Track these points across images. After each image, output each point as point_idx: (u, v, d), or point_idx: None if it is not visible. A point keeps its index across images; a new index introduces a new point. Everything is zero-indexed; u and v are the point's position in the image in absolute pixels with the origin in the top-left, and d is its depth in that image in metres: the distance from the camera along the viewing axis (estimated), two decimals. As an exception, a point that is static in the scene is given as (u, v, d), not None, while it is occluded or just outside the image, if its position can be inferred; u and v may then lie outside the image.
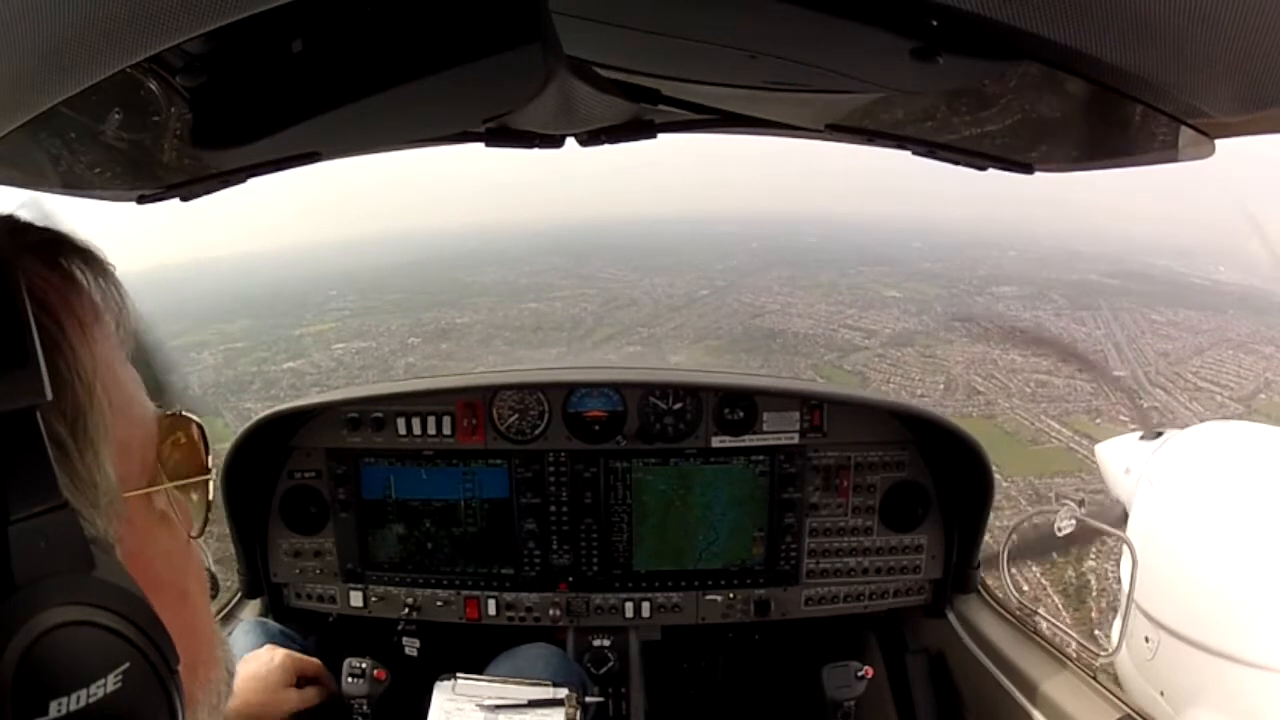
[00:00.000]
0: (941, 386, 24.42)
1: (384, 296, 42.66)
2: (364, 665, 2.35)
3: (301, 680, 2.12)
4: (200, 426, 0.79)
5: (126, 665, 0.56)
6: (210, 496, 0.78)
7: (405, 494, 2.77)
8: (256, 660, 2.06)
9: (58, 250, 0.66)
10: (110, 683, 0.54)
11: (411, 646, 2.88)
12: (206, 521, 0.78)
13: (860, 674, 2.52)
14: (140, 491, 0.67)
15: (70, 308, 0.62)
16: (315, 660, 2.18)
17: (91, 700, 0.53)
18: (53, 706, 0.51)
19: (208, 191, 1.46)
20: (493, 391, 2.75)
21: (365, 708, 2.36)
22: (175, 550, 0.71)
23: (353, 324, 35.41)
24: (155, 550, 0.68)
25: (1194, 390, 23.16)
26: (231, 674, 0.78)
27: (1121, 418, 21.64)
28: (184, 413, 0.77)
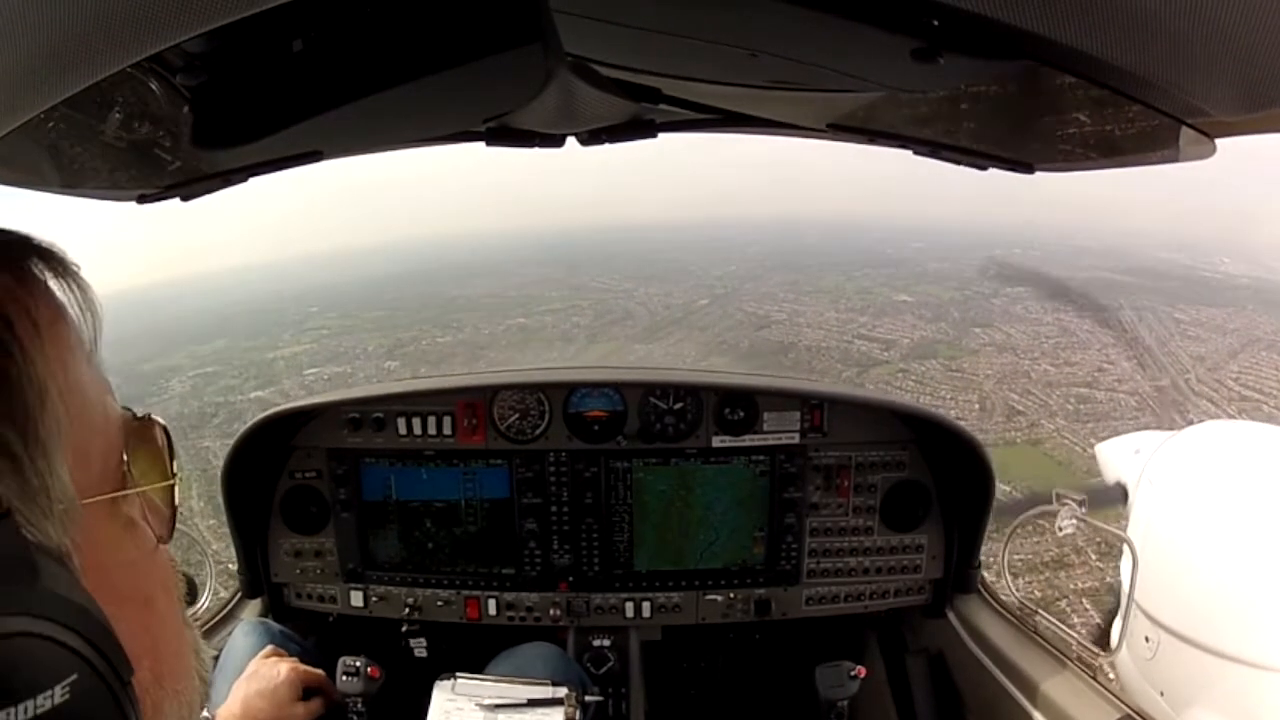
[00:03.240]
0: (977, 406, 22.20)
1: (366, 313, 41.13)
2: (358, 664, 2.35)
3: (307, 692, 2.12)
4: (165, 430, 0.77)
5: (74, 677, 0.54)
6: (176, 502, 0.76)
7: (406, 494, 2.77)
8: (263, 676, 2.04)
9: (18, 251, 0.64)
10: (58, 694, 0.53)
11: (420, 648, 2.89)
12: (173, 527, 0.76)
13: (853, 674, 2.52)
14: (100, 498, 0.65)
15: (25, 309, 0.60)
16: (319, 671, 2.17)
17: (40, 711, 0.52)
18: None
19: (208, 191, 1.46)
20: (493, 391, 2.75)
21: (360, 706, 2.36)
22: (140, 558, 0.69)
23: (330, 344, 33.85)
24: (118, 558, 0.66)
25: (1239, 400, 21.50)
26: (206, 683, 0.76)
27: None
28: (151, 415, 0.75)
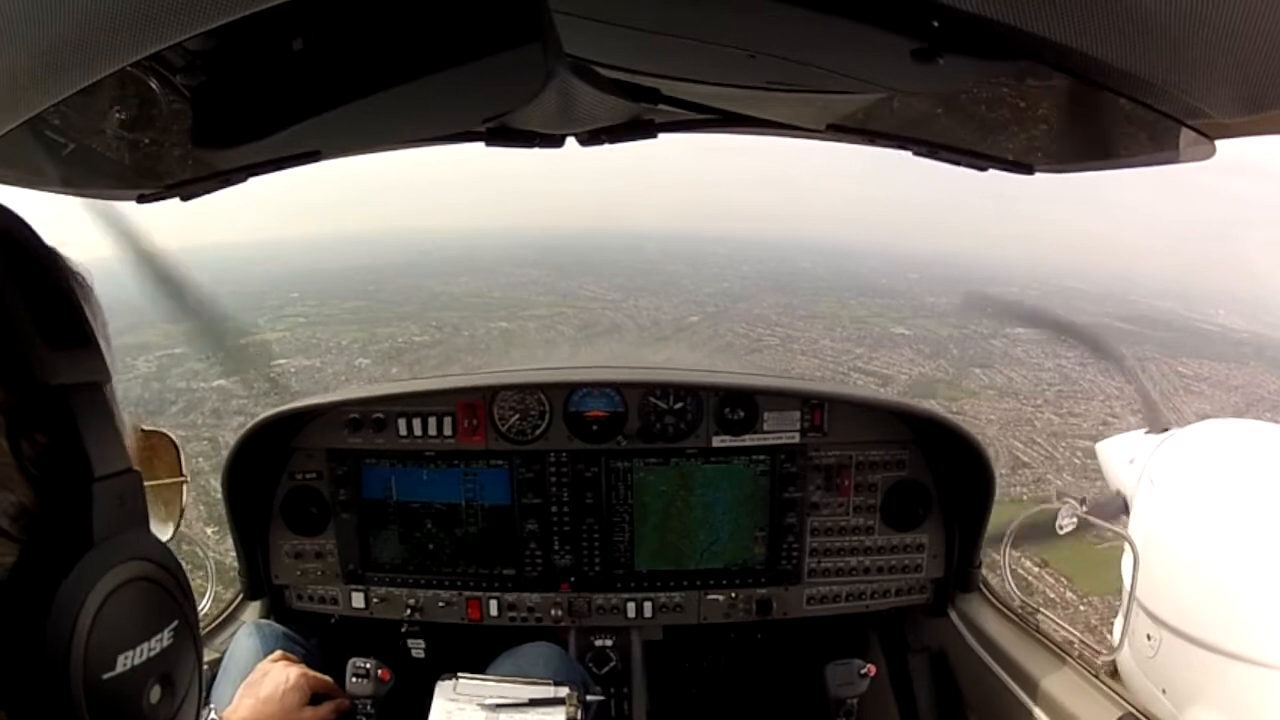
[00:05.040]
0: None
1: (344, 303, 38.84)
2: (368, 665, 2.35)
3: (315, 697, 2.12)
4: (173, 440, 0.90)
5: (176, 623, 0.60)
6: (183, 503, 0.86)
7: (406, 495, 2.77)
8: (271, 680, 2.04)
9: (64, 266, 0.69)
10: (165, 638, 0.59)
11: (417, 648, 2.89)
12: (178, 526, 0.85)
13: (863, 672, 2.52)
14: None
15: (93, 311, 0.68)
16: (327, 678, 2.18)
17: (151, 655, 0.57)
18: (120, 661, 0.55)
19: (208, 191, 1.46)
20: (493, 392, 2.75)
21: (370, 708, 2.36)
22: None
23: (303, 334, 32.07)
24: None
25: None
26: None
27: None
28: (160, 429, 0.87)
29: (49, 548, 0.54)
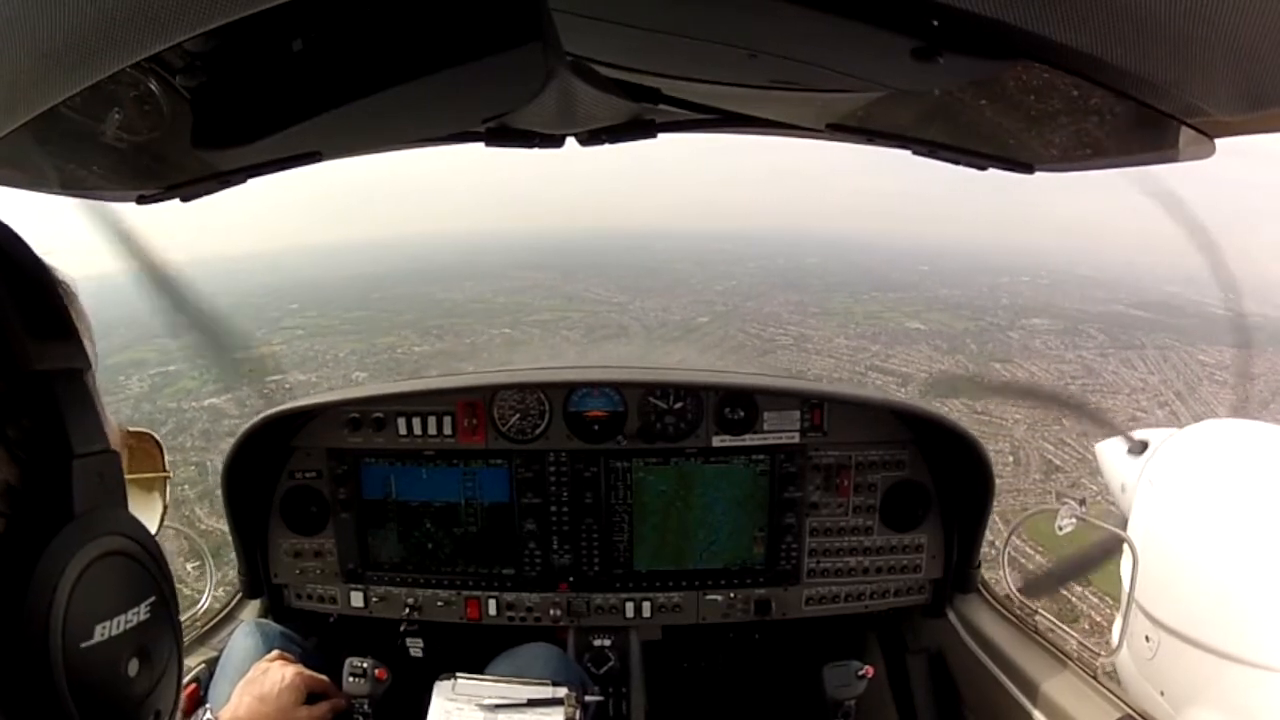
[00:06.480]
0: (1011, 459, 18.97)
1: (345, 314, 38.23)
2: (365, 665, 2.35)
3: (312, 696, 2.12)
4: (156, 440, 0.95)
5: (153, 598, 0.63)
6: (166, 500, 0.91)
7: (406, 494, 2.77)
8: (267, 680, 2.04)
9: (46, 269, 0.72)
10: (143, 611, 0.61)
11: (416, 647, 2.89)
12: (162, 521, 0.90)
13: (861, 673, 2.52)
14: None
15: (77, 313, 0.70)
16: (323, 677, 2.18)
17: (128, 627, 0.60)
18: (98, 630, 0.57)
19: (208, 192, 1.46)
20: (493, 391, 2.75)
21: (366, 707, 2.36)
22: None
23: (301, 347, 31.26)
24: None
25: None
26: None
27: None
28: (144, 429, 0.92)
29: (32, 520, 0.56)
